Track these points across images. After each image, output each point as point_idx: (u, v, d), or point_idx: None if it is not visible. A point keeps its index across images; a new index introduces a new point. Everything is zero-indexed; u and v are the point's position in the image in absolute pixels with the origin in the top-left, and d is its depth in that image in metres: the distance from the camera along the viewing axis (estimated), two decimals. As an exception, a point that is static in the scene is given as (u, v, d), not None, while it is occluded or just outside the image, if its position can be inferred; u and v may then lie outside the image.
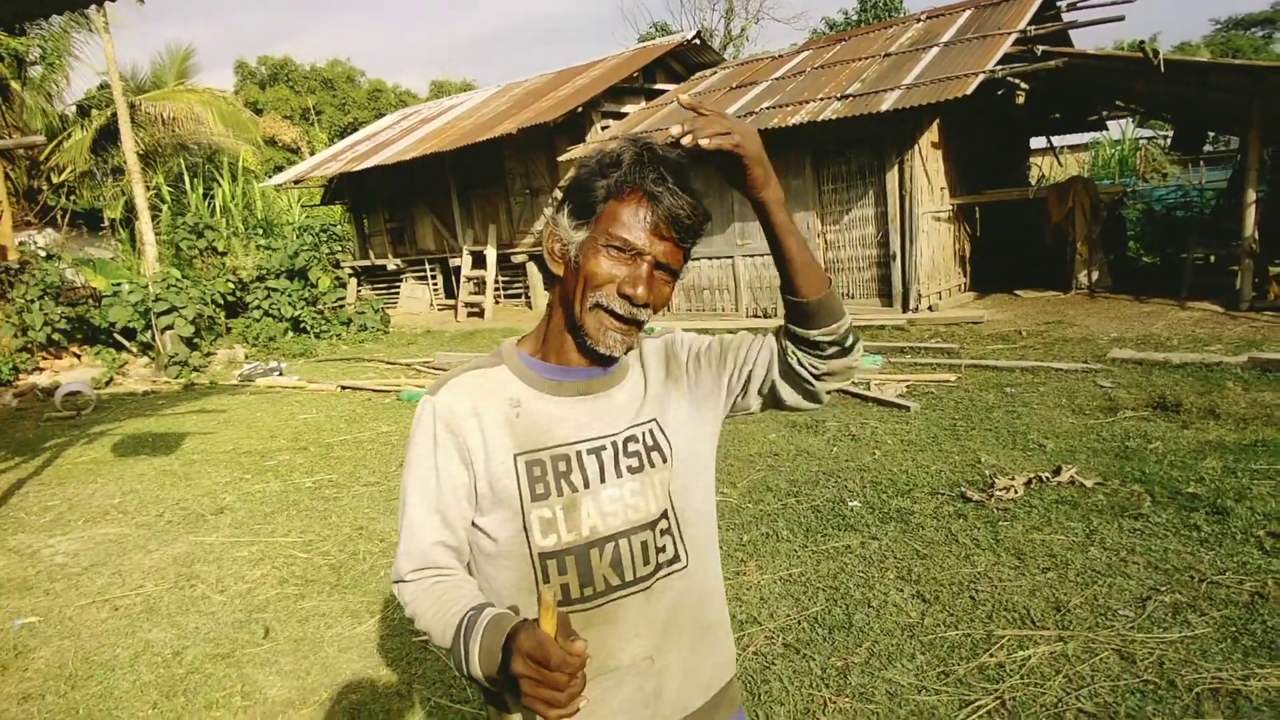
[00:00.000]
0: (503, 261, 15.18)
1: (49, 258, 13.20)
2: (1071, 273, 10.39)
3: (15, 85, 19.11)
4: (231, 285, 14.70)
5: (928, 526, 4.16)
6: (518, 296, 15.51)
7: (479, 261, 15.39)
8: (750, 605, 3.54)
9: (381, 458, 6.35)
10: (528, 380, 1.24)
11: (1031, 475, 4.60)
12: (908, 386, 7.03)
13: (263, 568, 4.42)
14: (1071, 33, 10.71)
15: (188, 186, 20.85)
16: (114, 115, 17.06)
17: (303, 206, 22.10)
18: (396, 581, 1.21)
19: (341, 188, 18.05)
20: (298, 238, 16.13)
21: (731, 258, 11.55)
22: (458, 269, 15.68)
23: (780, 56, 13.22)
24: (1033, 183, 13.70)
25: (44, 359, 11.93)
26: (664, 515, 1.23)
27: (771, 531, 4.30)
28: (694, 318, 11.80)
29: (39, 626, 3.92)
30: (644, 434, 1.24)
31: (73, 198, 21.03)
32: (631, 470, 1.21)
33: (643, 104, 14.00)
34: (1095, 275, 10.29)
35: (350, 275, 17.43)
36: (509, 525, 1.17)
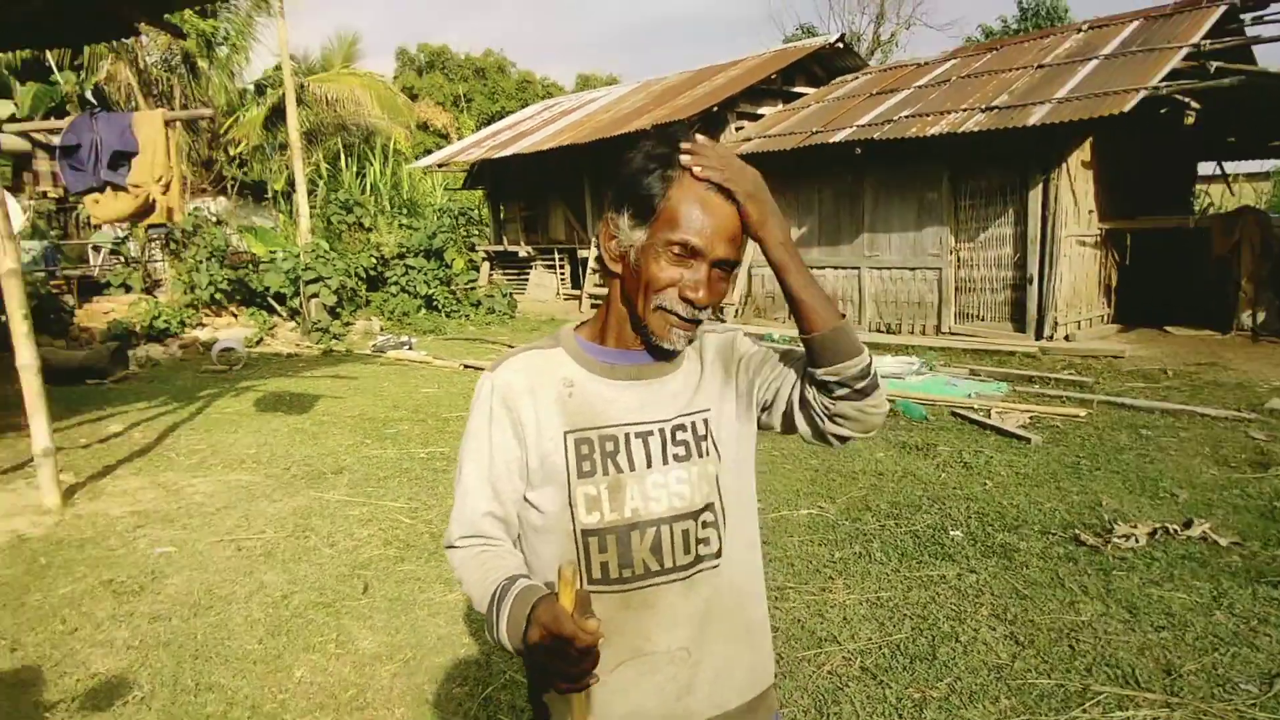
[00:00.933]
0: (628, 256, 15.36)
1: (218, 224, 14.37)
2: (1233, 312, 9.56)
3: (203, 63, 20.86)
4: (374, 260, 15.55)
5: (1033, 566, 3.95)
6: (640, 291, 15.66)
7: (605, 254, 15.63)
8: (831, 624, 3.48)
9: (491, 436, 6.58)
10: (582, 362, 1.26)
11: (1157, 526, 4.29)
12: (1031, 418, 6.67)
13: (370, 528, 4.69)
14: (1255, 49, 9.83)
15: (343, 164, 22.14)
16: (281, 95, 18.45)
17: (445, 189, 23.09)
18: (448, 546, 1.27)
19: (482, 173, 18.76)
20: (437, 219, 16.85)
21: (858, 269, 11.28)
22: (585, 260, 16.01)
23: (926, 64, 12.77)
24: (1197, 211, 12.67)
25: (206, 316, 13.01)
26: (709, 508, 1.24)
27: (865, 552, 4.20)
28: (813, 327, 11.60)
29: (174, 556, 4.31)
30: (694, 423, 1.26)
31: (244, 169, 22.78)
32: (678, 458, 1.23)
33: (779, 106, 13.85)
34: (1261, 317, 9.43)
35: (484, 259, 18.10)
36: (555, 500, 1.20)
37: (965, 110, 9.81)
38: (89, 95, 19.84)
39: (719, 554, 1.25)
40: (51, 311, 11.60)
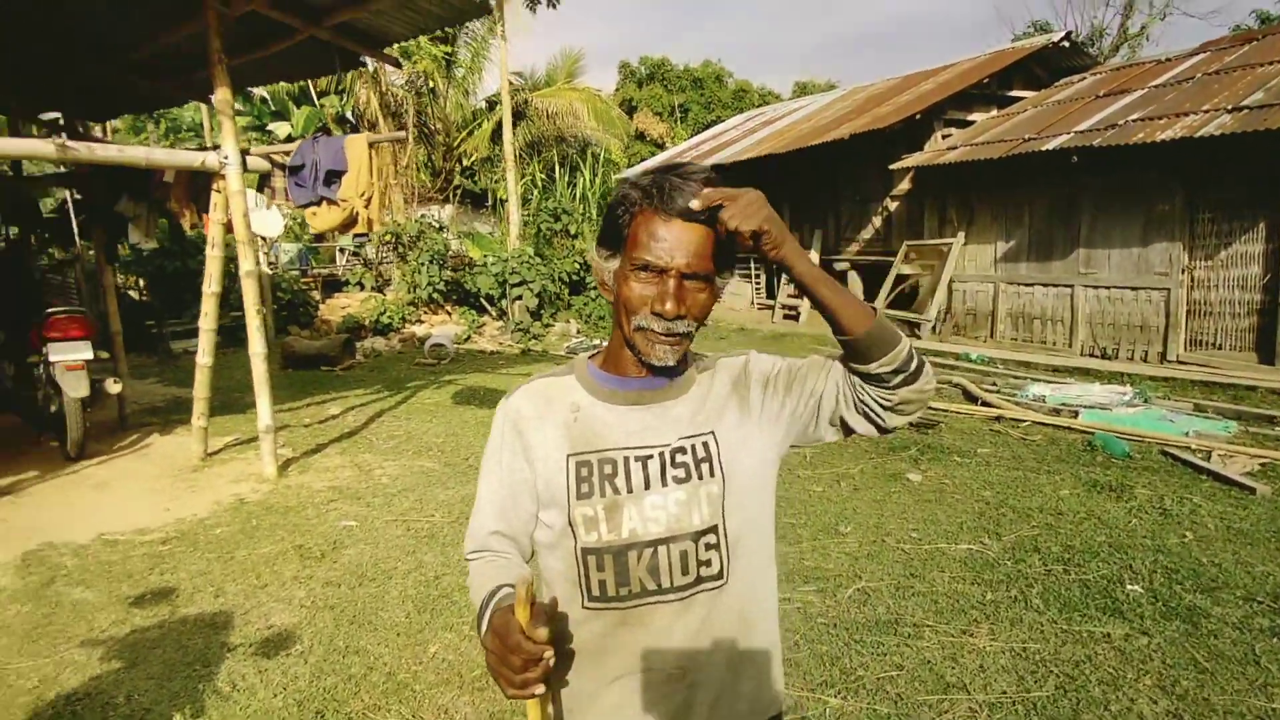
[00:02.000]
0: (825, 267, 15.04)
1: (440, 229, 15.75)
2: None
3: (441, 84, 22.96)
4: (576, 265, 16.34)
5: (1223, 636, 3.46)
6: (834, 303, 15.29)
7: (800, 265, 15.42)
8: (964, 670, 3.25)
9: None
10: (589, 388, 1.32)
11: (1397, 605, 3.61)
12: (1262, 464, 5.81)
13: (526, 521, 4.97)
14: None
15: (558, 174, 23.45)
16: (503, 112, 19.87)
17: (650, 199, 23.70)
18: (465, 558, 1.38)
19: (684, 183, 19.11)
20: (637, 227, 17.39)
21: (1071, 286, 10.33)
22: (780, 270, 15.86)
23: (1167, 61, 11.44)
24: None
25: (425, 313, 14.31)
26: (712, 530, 1.25)
27: (1021, 597, 3.88)
28: (1018, 348, 10.76)
29: (354, 530, 4.82)
30: (695, 446, 1.27)
31: (474, 179, 24.77)
32: (678, 480, 1.25)
33: (993, 112, 12.98)
34: None
35: (681, 266, 18.44)
36: (558, 520, 1.26)
37: (1207, 112, 8.70)
38: (348, 115, 22.51)
39: (720, 575, 1.26)
40: (301, 305, 13.27)
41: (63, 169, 7.19)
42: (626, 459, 1.25)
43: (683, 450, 1.26)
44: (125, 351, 7.69)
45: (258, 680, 3.19)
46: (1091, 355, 10.03)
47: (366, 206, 5.40)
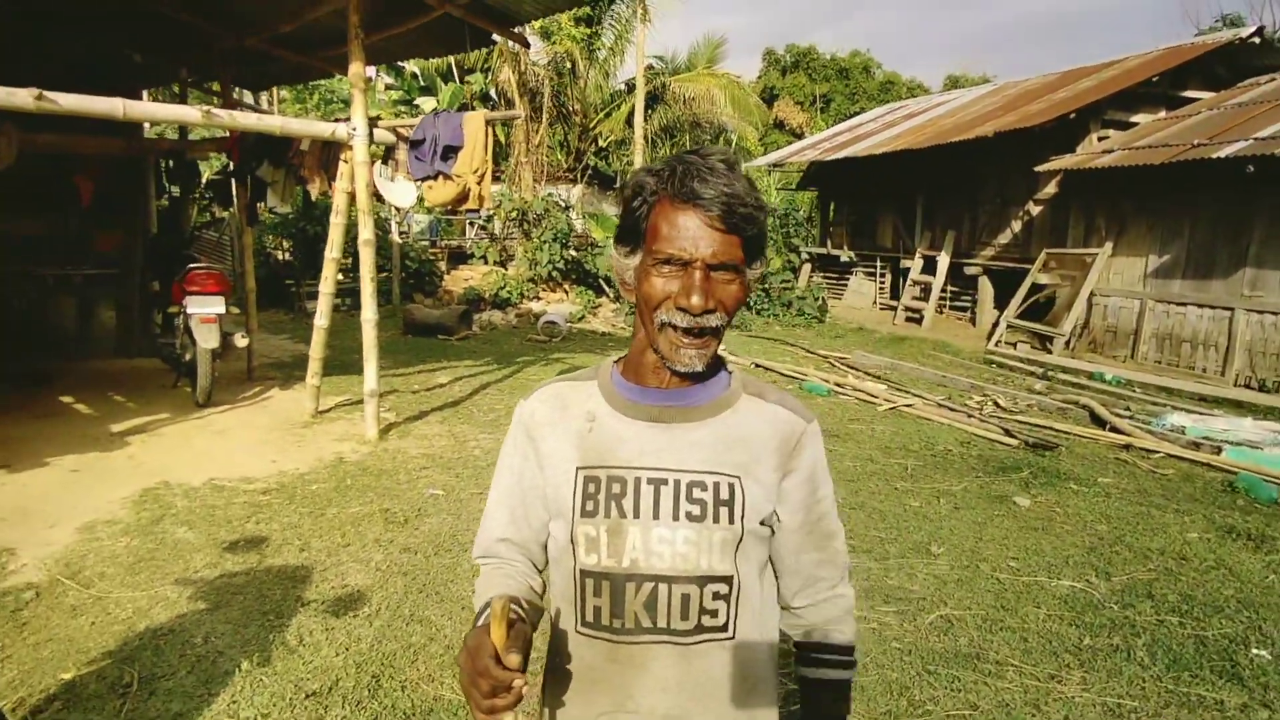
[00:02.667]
0: (955, 271, 14.35)
1: (565, 209, 15.98)
2: None
3: (582, 65, 23.26)
4: (695, 253, 16.24)
5: (1361, 721, 3.04)
6: (964, 310, 14.56)
7: (929, 267, 14.77)
8: (1045, 718, 2.99)
9: (752, 439, 6.59)
10: (608, 396, 1.23)
11: None
12: None
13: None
14: None
15: (687, 160, 23.40)
16: (647, 93, 19.88)
17: (778, 189, 23.32)
18: (474, 561, 1.33)
19: (816, 175, 18.66)
20: (758, 218, 17.11)
21: (1231, 310, 9.39)
22: (907, 270, 15.25)
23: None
24: None
25: (543, 290, 14.58)
26: (725, 580, 1.16)
27: (1125, 646, 3.53)
28: (1161, 372, 9.89)
29: (440, 499, 4.94)
30: (719, 485, 1.17)
31: (607, 160, 25.03)
32: (691, 517, 1.15)
33: (1162, 113, 11.91)
34: None
35: (805, 261, 18.03)
36: (563, 534, 1.19)
37: None
38: (491, 93, 23.17)
39: (726, 628, 1.17)
40: (427, 275, 13.79)
41: (221, 135, 7.72)
42: (638, 480, 1.16)
43: (702, 485, 1.16)
44: (264, 308, 8.20)
45: (324, 638, 3.30)
46: (1247, 387, 9.09)
47: (479, 183, 5.50)
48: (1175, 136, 10.28)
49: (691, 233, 1.09)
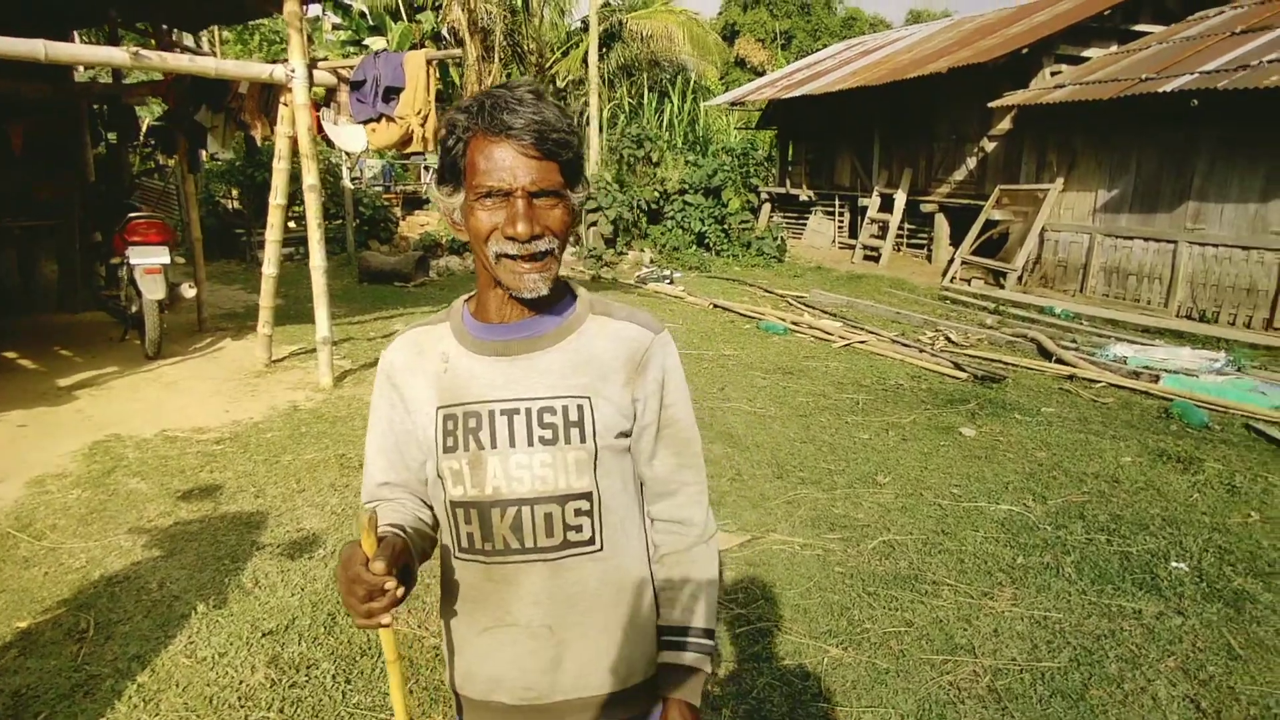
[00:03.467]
0: (912, 209, 14.45)
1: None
2: None
3: (536, 2, 22.63)
4: (656, 194, 16.12)
5: (1267, 624, 3.25)
6: (920, 247, 14.71)
7: (887, 205, 14.85)
8: (976, 633, 3.16)
9: (710, 378, 6.69)
10: (459, 337, 1.26)
11: None
12: (1357, 446, 5.36)
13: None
14: None
15: (645, 100, 23.01)
16: (604, 31, 19.45)
17: (737, 128, 23.13)
18: (361, 509, 1.39)
19: (775, 114, 18.52)
20: (715, 158, 16.99)
21: (1174, 243, 9.61)
22: (865, 209, 15.32)
23: (1321, -5, 10.26)
24: None
25: (502, 235, 14.40)
26: (584, 496, 1.22)
27: (1055, 564, 3.72)
28: (1109, 305, 10.15)
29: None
30: (567, 407, 1.22)
31: (565, 101, 24.56)
32: (544, 441, 1.20)
33: (1113, 47, 11.97)
34: None
35: (765, 201, 18.00)
36: (431, 471, 1.24)
37: (1353, 54, 7.80)
38: (444, 32, 22.49)
39: (593, 541, 1.24)
40: (381, 221, 13.55)
41: (157, 78, 7.44)
42: (492, 413, 1.21)
43: (551, 410, 1.21)
44: (215, 258, 8.04)
45: (279, 579, 3.35)
46: (1188, 318, 9.37)
47: (423, 125, 5.40)
48: (1125, 71, 10.37)
49: (508, 163, 1.12)
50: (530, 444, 1.20)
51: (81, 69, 9.65)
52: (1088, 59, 11.93)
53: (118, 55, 5.09)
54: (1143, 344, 7.95)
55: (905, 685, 2.84)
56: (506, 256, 1.15)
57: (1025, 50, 11.37)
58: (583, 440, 1.21)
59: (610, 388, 1.24)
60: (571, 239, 9.68)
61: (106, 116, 9.16)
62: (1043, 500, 4.44)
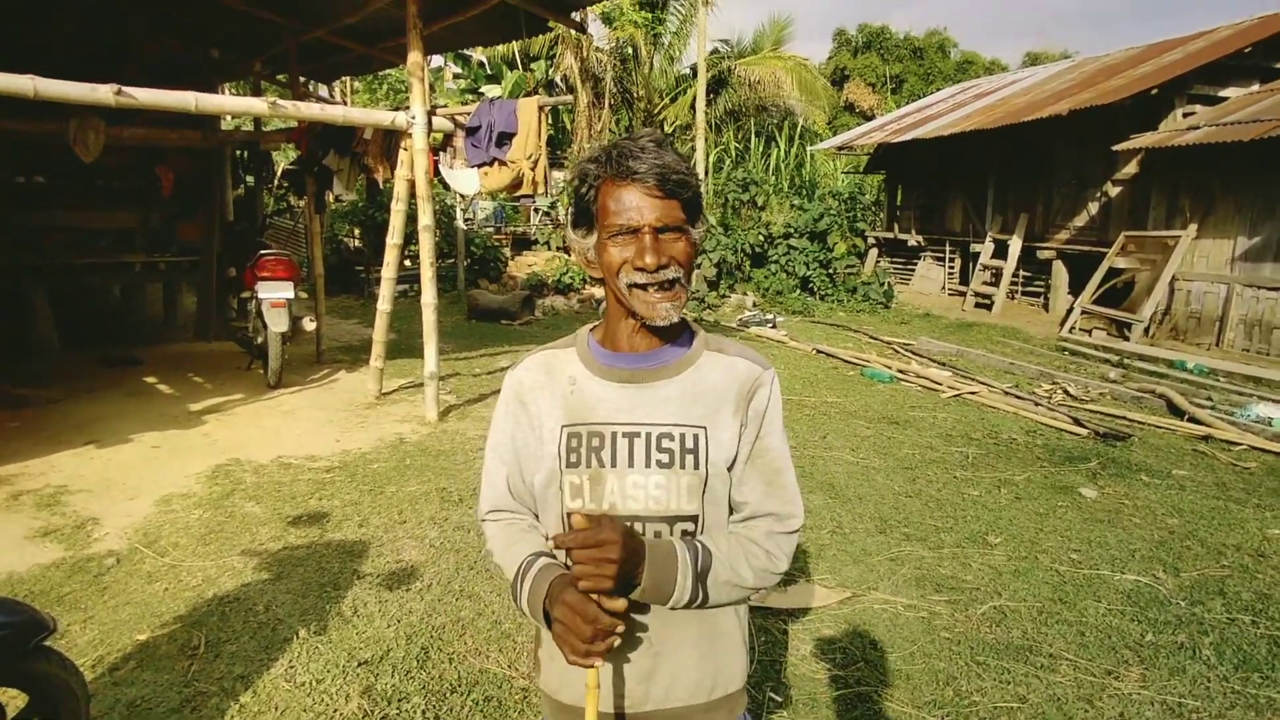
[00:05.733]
0: (1027, 255, 13.86)
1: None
2: None
3: (645, 49, 23.20)
4: (760, 238, 16.06)
5: None
6: (1036, 296, 14.07)
7: (1000, 251, 14.31)
8: (1099, 716, 2.90)
9: (812, 425, 6.52)
10: (586, 362, 1.38)
11: None
12: None
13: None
14: None
15: (752, 144, 23.11)
16: (712, 78, 19.72)
17: (844, 173, 22.89)
18: (481, 520, 1.47)
19: (884, 158, 18.24)
20: (821, 202, 16.82)
21: (1328, 295, 8.85)
22: (977, 255, 14.80)
23: None
24: None
25: (605, 276, 14.64)
26: (691, 518, 1.31)
27: (1190, 645, 3.40)
28: (1250, 360, 9.40)
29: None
30: (684, 435, 1.31)
31: (672, 146, 24.92)
32: (661, 465, 1.30)
33: (1255, 87, 11.26)
34: None
35: (872, 245, 17.67)
36: (551, 484, 1.34)
37: None
38: (557, 80, 23.34)
39: None
40: (491, 261, 14.00)
41: (291, 126, 7.98)
42: (614, 434, 1.31)
43: (669, 436, 1.30)
44: (335, 294, 8.47)
45: (377, 609, 3.42)
46: (1345, 376, 8.56)
47: (533, 168, 5.56)
48: (1269, 111, 9.71)
49: (635, 203, 1.25)
50: (648, 465, 1.30)
51: (227, 118, 10.44)
52: (1224, 99, 11.25)
53: (258, 105, 5.49)
54: (1290, 405, 7.29)
55: (1017, 767, 2.63)
56: (638, 287, 1.27)
57: (1155, 90, 10.82)
58: (696, 467, 1.30)
59: (723, 418, 1.33)
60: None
61: (246, 161, 9.87)
62: (1175, 572, 4.08)
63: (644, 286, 1.26)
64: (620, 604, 1.17)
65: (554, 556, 1.32)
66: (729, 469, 1.33)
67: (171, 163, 8.20)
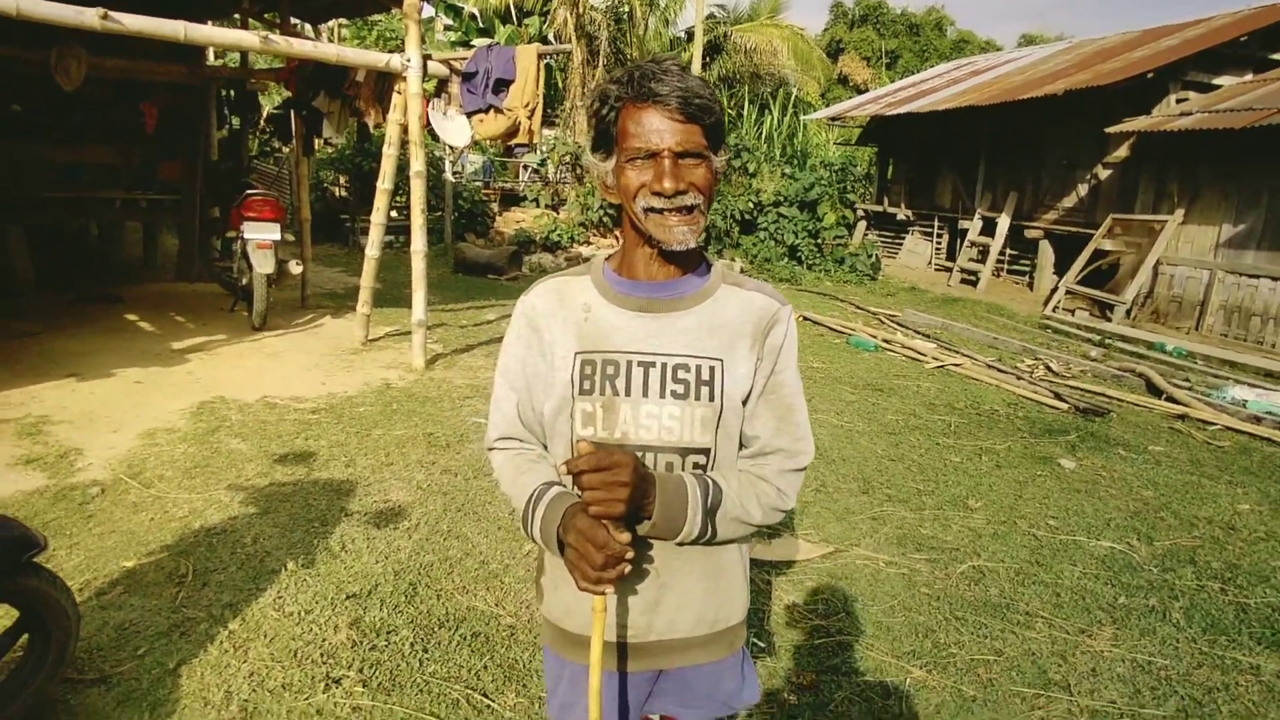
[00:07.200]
0: (1015, 234, 13.92)
1: (620, 155, 15.83)
2: None
3: (641, 10, 22.84)
4: (750, 205, 15.98)
5: (1404, 694, 2.97)
6: (1021, 274, 14.16)
7: (988, 228, 14.36)
8: (1072, 670, 2.98)
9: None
10: (601, 290, 1.34)
11: None
12: None
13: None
14: None
15: (745, 111, 22.92)
16: (707, 43, 19.48)
17: (836, 144, 22.80)
18: (488, 449, 1.43)
19: (876, 131, 18.17)
20: (812, 172, 16.76)
21: (1308, 284, 8.99)
22: (965, 232, 14.86)
23: None
24: None
25: (594, 235, 14.55)
26: (703, 451, 1.29)
27: (1161, 608, 3.49)
28: (1228, 345, 9.55)
29: (482, 426, 5.02)
30: (700, 367, 1.28)
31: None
32: (676, 395, 1.27)
33: (1249, 75, 11.30)
34: None
35: (861, 218, 17.67)
36: (563, 411, 1.31)
37: None
38: (550, 37, 22.96)
39: None
40: (479, 215, 13.86)
41: (279, 66, 7.80)
42: (629, 363, 1.28)
43: (685, 367, 1.28)
44: (319, 242, 8.35)
45: (364, 546, 3.43)
46: (1319, 364, 8.73)
47: (530, 117, 5.49)
48: (1261, 100, 9.76)
49: (655, 126, 1.21)
50: (662, 396, 1.27)
51: (211, 55, 10.18)
52: (1219, 87, 11.29)
53: (249, 39, 5.35)
54: (1266, 388, 7.43)
55: (993, 715, 2.70)
56: (654, 211, 1.23)
57: (1150, 75, 10.83)
58: (711, 399, 1.28)
59: (739, 352, 1.31)
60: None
61: (232, 101, 9.65)
62: (1148, 541, 4.18)
63: (660, 211, 1.23)
64: (626, 536, 1.16)
65: (565, 485, 1.30)
66: (743, 403, 1.31)
67: (156, 99, 7.99)
